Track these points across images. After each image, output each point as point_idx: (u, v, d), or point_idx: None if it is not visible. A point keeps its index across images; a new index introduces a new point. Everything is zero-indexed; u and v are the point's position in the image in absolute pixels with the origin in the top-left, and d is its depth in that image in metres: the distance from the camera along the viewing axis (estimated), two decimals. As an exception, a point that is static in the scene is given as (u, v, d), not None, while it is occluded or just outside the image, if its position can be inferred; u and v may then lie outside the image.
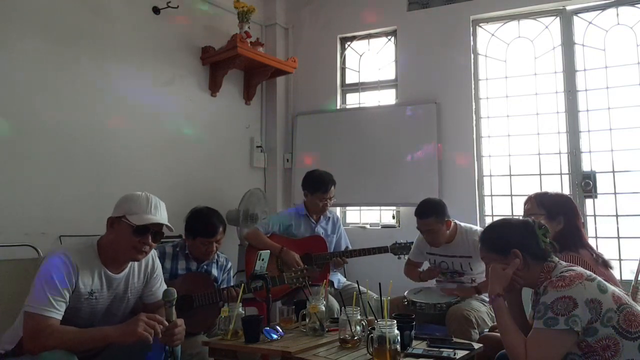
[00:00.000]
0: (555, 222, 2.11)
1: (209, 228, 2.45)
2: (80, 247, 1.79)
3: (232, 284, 2.59)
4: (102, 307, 1.83)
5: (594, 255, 2.06)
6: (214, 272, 2.58)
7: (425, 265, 3.02)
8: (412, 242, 3.00)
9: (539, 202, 2.20)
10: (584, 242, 2.10)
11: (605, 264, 2.07)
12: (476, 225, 3.25)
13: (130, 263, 1.91)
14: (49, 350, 1.56)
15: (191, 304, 2.34)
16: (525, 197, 2.35)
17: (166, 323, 1.68)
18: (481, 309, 2.56)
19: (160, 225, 1.83)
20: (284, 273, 2.48)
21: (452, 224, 2.78)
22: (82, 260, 1.75)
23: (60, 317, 1.66)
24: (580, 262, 1.95)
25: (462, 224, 2.83)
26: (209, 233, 2.45)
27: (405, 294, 2.72)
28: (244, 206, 3.51)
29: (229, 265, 2.66)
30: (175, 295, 1.76)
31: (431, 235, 2.73)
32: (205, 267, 2.55)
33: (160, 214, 1.84)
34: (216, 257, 2.60)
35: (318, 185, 3.12)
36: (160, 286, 2.02)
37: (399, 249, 3.03)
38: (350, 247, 3.30)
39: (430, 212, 2.70)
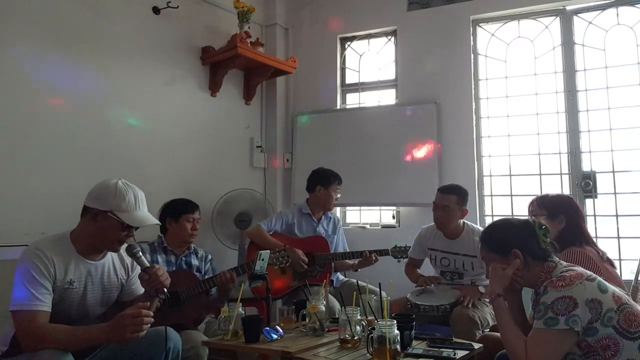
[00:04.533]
0: (557, 221, 2.14)
1: (190, 204, 2.66)
2: (51, 239, 1.79)
3: (217, 273, 2.61)
4: (85, 296, 1.81)
5: (600, 252, 2.07)
6: (195, 262, 2.65)
7: (426, 263, 3.02)
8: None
9: (540, 203, 2.24)
10: (588, 240, 2.11)
11: (610, 262, 2.07)
12: (476, 225, 3.25)
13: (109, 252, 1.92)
14: (45, 348, 1.56)
15: (178, 299, 2.39)
16: (525, 197, 2.39)
17: (151, 313, 1.66)
18: (484, 308, 2.57)
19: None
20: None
21: (462, 222, 2.80)
22: (56, 251, 1.74)
23: (48, 309, 1.65)
24: (585, 257, 1.95)
25: (469, 223, 2.84)
26: (192, 209, 2.64)
27: (408, 296, 2.71)
28: (230, 207, 3.51)
29: (209, 257, 2.74)
30: (138, 247, 1.82)
31: (445, 213, 2.72)
32: (184, 258, 2.61)
33: (146, 208, 1.87)
34: (194, 249, 2.67)
35: (334, 177, 3.18)
36: (138, 285, 1.98)
37: (399, 252, 3.03)
38: (347, 250, 3.30)
39: (453, 191, 2.76)
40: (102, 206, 1.78)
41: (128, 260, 1.98)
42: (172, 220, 2.60)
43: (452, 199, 2.72)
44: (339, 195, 3.22)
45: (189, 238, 2.61)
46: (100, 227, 1.78)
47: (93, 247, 1.84)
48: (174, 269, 2.56)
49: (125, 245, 1.85)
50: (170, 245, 2.60)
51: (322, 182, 3.18)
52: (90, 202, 1.81)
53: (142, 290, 1.95)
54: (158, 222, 1.86)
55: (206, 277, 2.59)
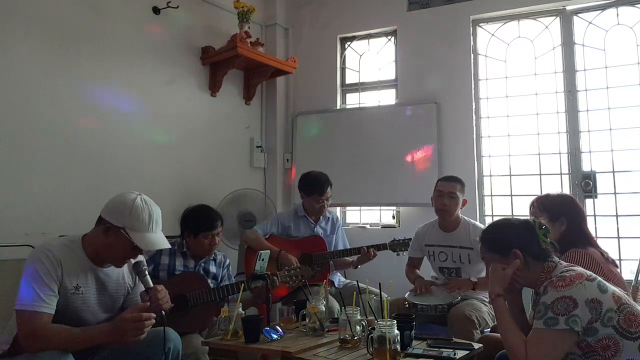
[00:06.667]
0: (558, 224, 2.11)
1: (210, 221, 2.52)
2: (63, 241, 1.77)
3: (233, 280, 2.59)
4: (90, 302, 1.80)
5: (605, 255, 2.05)
6: (213, 269, 2.59)
7: (425, 263, 3.02)
8: (411, 239, 2.99)
9: (541, 205, 2.20)
10: (591, 241, 2.09)
11: (614, 263, 2.06)
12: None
13: None
14: (45, 349, 1.56)
15: (186, 303, 2.35)
16: (525, 197, 2.36)
17: (152, 315, 1.65)
18: (482, 309, 2.56)
19: None
20: (278, 272, 2.48)
21: (460, 215, 2.83)
22: (66, 254, 1.73)
23: (52, 312, 1.64)
24: (588, 258, 1.94)
25: (467, 217, 2.87)
26: (211, 226, 2.51)
27: (406, 295, 2.71)
28: (232, 207, 3.51)
29: (227, 262, 2.68)
30: (145, 265, 1.80)
31: (452, 200, 2.77)
32: (203, 264, 2.56)
33: (160, 228, 1.83)
34: (214, 254, 2.61)
35: (314, 187, 3.11)
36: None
37: (397, 245, 3.01)
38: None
39: (457, 179, 2.85)
40: (115, 221, 1.75)
41: None
42: (190, 234, 2.52)
43: (458, 187, 2.80)
44: (326, 202, 3.15)
45: (207, 253, 2.54)
46: (111, 242, 1.76)
47: (101, 257, 1.82)
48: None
49: (134, 261, 1.83)
50: (190, 251, 2.55)
51: (305, 189, 3.16)
52: (106, 214, 1.78)
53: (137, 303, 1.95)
54: (169, 245, 1.82)
55: (221, 284, 2.55)
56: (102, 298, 1.85)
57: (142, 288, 1.91)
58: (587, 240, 2.08)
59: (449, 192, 2.78)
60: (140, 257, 1.84)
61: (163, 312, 1.75)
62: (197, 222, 2.51)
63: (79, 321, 1.78)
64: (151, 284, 1.78)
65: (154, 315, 1.65)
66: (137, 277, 1.95)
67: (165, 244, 1.81)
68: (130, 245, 1.74)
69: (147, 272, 1.79)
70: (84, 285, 1.77)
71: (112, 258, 1.81)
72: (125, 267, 1.94)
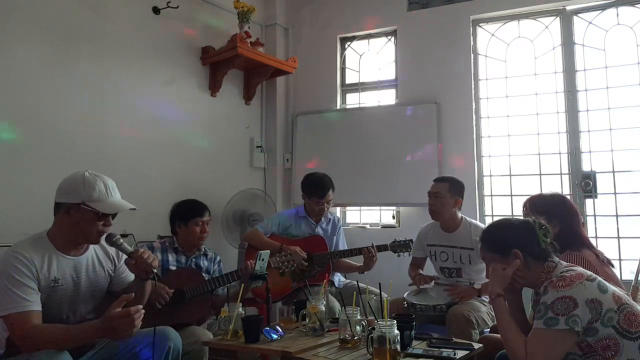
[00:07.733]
0: (551, 226, 2.07)
1: (199, 208, 2.63)
2: (29, 240, 1.77)
3: (222, 274, 2.64)
4: (72, 293, 1.80)
5: (600, 256, 2.04)
6: (205, 263, 2.67)
7: (428, 264, 3.02)
8: (412, 240, 2.99)
9: (533, 207, 2.17)
10: (585, 242, 2.07)
11: (609, 263, 2.06)
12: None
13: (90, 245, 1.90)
14: (41, 349, 1.56)
15: (183, 296, 2.41)
16: (524, 197, 2.34)
17: (139, 307, 1.64)
18: (481, 309, 2.57)
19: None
20: (270, 259, 2.48)
21: (460, 216, 2.83)
22: (36, 251, 1.72)
23: (38, 308, 1.64)
24: (583, 261, 1.94)
25: (468, 218, 2.87)
26: (201, 212, 2.61)
27: (405, 295, 2.71)
28: (239, 207, 3.51)
29: (217, 258, 2.76)
30: (117, 235, 1.83)
31: (437, 200, 2.76)
32: (194, 259, 2.63)
33: (119, 195, 1.85)
34: (204, 250, 2.69)
35: (315, 190, 3.09)
36: (128, 273, 1.98)
37: (398, 246, 2.99)
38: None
39: (445, 179, 2.84)
40: (73, 199, 1.75)
41: (112, 250, 1.95)
42: (181, 224, 2.59)
43: (444, 187, 2.79)
44: (326, 205, 3.13)
45: (199, 241, 2.61)
46: (76, 221, 1.76)
47: (73, 242, 1.81)
48: None
49: (104, 237, 1.83)
50: (181, 246, 2.61)
51: (305, 191, 3.15)
52: (61, 198, 1.78)
53: (132, 277, 1.95)
54: (134, 207, 1.82)
55: (214, 276, 2.60)
56: (83, 286, 1.84)
57: (125, 268, 1.93)
58: (581, 242, 2.05)
59: (433, 193, 2.81)
60: (110, 230, 1.84)
61: (154, 270, 1.79)
62: (186, 210, 2.61)
63: (66, 313, 1.78)
64: (131, 249, 1.81)
65: (141, 306, 1.64)
66: (115, 258, 1.96)
67: (129, 205, 1.82)
68: (96, 216, 1.75)
69: (122, 241, 1.82)
70: (62, 277, 1.76)
71: (84, 236, 1.81)
72: (100, 252, 1.94)
